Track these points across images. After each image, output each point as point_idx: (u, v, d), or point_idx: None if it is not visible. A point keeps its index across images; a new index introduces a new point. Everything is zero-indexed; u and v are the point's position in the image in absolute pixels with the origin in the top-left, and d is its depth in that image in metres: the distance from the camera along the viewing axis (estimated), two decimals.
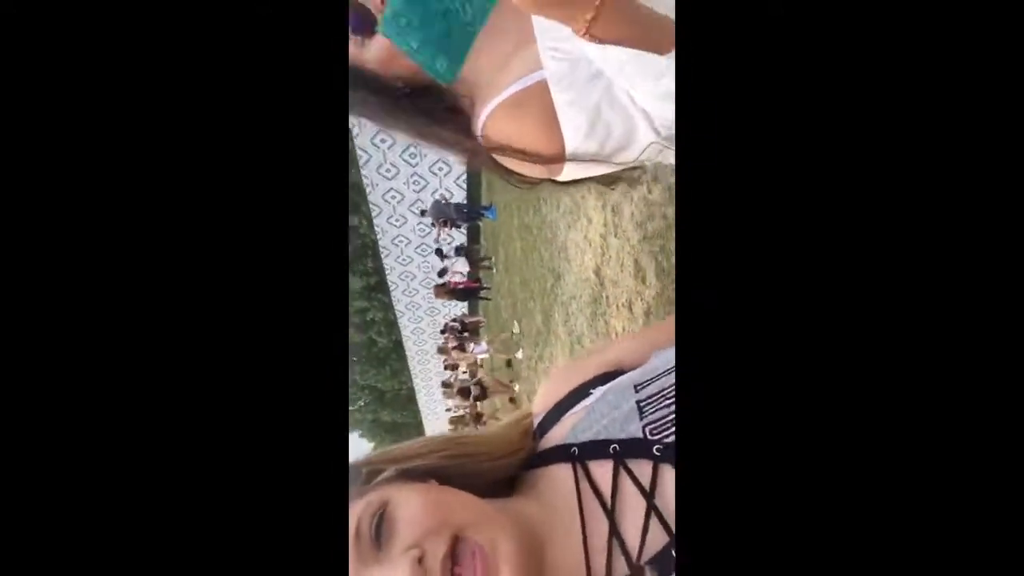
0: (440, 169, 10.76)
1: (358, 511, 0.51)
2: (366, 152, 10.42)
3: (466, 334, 10.64)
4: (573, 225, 5.45)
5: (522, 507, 0.56)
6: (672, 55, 0.65)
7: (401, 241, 12.19)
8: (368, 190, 11.03)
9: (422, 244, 12.14)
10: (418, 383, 17.38)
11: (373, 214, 11.52)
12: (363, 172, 10.74)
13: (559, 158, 0.72)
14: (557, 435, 0.61)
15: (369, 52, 0.72)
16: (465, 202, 10.77)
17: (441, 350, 11.29)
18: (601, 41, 0.63)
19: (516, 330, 8.84)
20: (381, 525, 0.50)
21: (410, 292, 13.68)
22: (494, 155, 0.75)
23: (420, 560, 0.48)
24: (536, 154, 0.73)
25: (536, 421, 0.65)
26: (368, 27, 0.70)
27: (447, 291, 10.15)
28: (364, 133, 9.98)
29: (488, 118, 0.73)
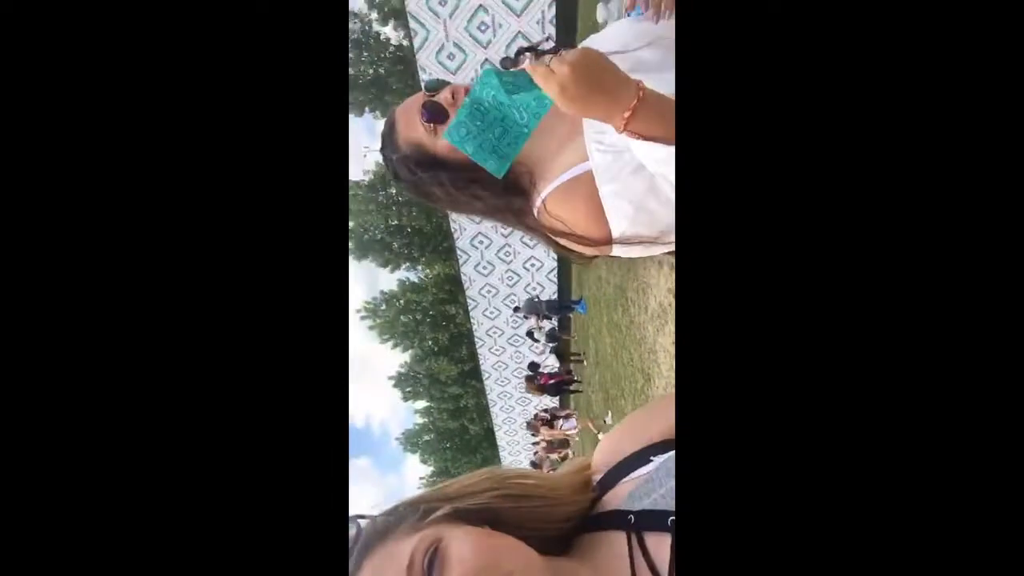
0: (532, 265, 11.15)
1: (412, 545, 0.51)
2: (465, 252, 11.01)
3: (557, 420, 10.63)
4: (661, 330, 5.50)
5: (573, 568, 0.55)
6: None
7: (495, 332, 12.54)
8: (466, 285, 11.55)
9: (515, 335, 12.40)
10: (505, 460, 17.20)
11: (470, 307, 11.98)
12: (462, 270, 11.30)
13: (607, 241, 0.78)
14: (614, 500, 0.59)
15: (440, 141, 0.82)
16: (555, 297, 10.99)
17: (530, 425, 11.17)
18: (640, 137, 0.68)
19: (609, 420, 8.74)
20: (434, 561, 0.50)
21: (502, 381, 13.87)
22: (549, 235, 0.82)
23: None
24: (585, 237, 0.79)
25: (596, 478, 0.63)
26: (441, 118, 0.81)
27: (537, 387, 10.19)
28: (464, 236, 10.60)
29: (543, 202, 0.80)
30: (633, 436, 0.64)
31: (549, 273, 11.37)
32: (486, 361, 13.29)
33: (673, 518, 0.52)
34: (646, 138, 0.69)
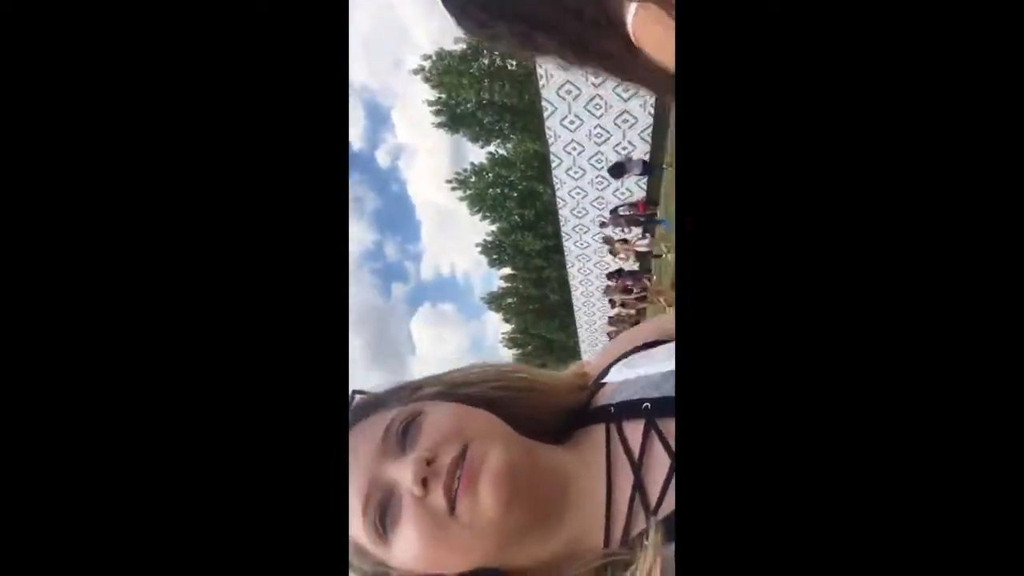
0: (625, 121, 9.99)
1: (393, 415, 0.53)
2: (551, 104, 9.95)
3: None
4: None
5: (557, 454, 0.56)
6: None
7: (578, 193, 11.67)
8: (551, 140, 10.60)
9: (599, 197, 11.53)
10: (583, 333, 17.04)
11: (553, 165, 11.09)
12: (547, 124, 10.32)
13: None
14: (602, 397, 0.60)
15: None
16: (648, 157, 9.97)
17: (607, 291, 11.10)
18: None
19: None
20: (408, 429, 0.52)
21: (582, 245, 13.21)
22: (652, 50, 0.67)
23: (429, 463, 0.50)
24: None
25: (592, 378, 0.64)
26: None
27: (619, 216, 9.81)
28: (550, 85, 9.52)
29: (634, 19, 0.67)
30: (628, 340, 0.67)
31: (643, 132, 10.18)
32: (567, 224, 12.63)
33: (647, 404, 0.54)
34: None
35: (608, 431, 0.55)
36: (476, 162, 23.43)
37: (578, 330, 17.48)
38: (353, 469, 0.52)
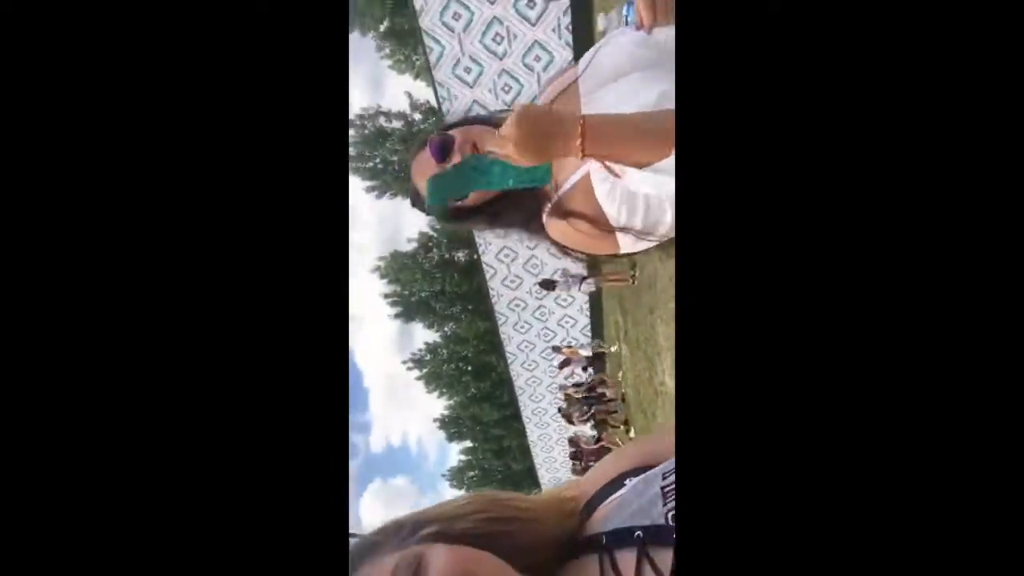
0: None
1: (395, 561, 0.49)
2: (491, 267, 10.47)
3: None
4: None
5: None
6: (671, 159, 0.68)
7: (531, 365, 11.79)
8: (494, 299, 10.92)
9: (545, 348, 11.62)
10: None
11: (499, 322, 11.28)
12: (490, 285, 10.73)
13: (611, 230, 0.80)
14: (592, 526, 0.57)
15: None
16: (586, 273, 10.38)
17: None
18: (603, 159, 0.73)
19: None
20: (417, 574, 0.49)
21: (539, 412, 12.97)
22: (560, 229, 0.85)
23: None
24: (591, 230, 0.81)
25: (581, 504, 0.60)
26: (448, 154, 0.81)
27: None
28: (488, 252, 10.11)
29: (550, 210, 0.85)
30: (613, 465, 0.64)
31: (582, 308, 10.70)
32: (519, 377, 12.45)
33: (639, 533, 0.52)
34: (608, 159, 0.74)
35: (601, 563, 0.52)
36: (431, 341, 23.62)
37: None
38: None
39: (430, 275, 21.84)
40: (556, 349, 11.04)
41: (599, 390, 10.33)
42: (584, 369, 10.67)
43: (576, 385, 10.55)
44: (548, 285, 9.81)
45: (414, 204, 0.92)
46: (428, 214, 0.90)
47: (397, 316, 23.15)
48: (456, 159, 0.80)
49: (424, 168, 0.83)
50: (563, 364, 10.61)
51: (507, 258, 10.06)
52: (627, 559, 0.50)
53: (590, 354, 10.59)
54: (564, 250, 0.87)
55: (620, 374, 9.68)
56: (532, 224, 0.88)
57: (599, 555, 0.52)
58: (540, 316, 10.92)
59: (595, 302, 10.41)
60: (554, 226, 0.85)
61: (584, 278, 9.17)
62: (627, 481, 0.59)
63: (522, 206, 0.85)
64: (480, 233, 0.98)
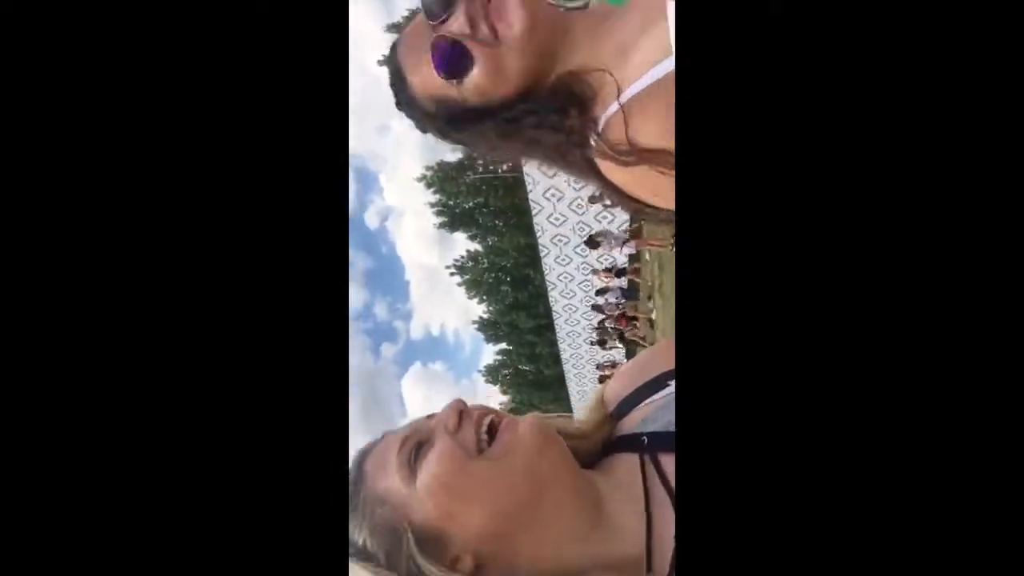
0: (604, 218, 10.72)
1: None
2: (539, 204, 10.69)
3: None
4: None
5: (593, 477, 0.53)
6: None
7: (565, 278, 12.23)
8: (539, 235, 11.27)
9: (585, 280, 12.08)
10: (575, 403, 17.03)
11: (542, 254, 11.70)
12: (536, 221, 11.02)
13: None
14: (627, 426, 0.58)
15: (467, 89, 0.55)
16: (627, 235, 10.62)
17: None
18: None
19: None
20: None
21: (572, 323, 13.58)
22: (621, 162, 0.53)
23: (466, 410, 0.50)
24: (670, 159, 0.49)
25: (611, 407, 0.60)
26: (465, 69, 0.54)
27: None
28: (536, 189, 10.28)
29: (612, 119, 0.52)
30: (644, 369, 0.62)
31: (621, 226, 10.90)
32: (557, 304, 13.05)
33: (644, 437, 0.53)
34: None
35: (643, 462, 0.52)
36: (472, 250, 24.16)
37: (571, 402, 17.47)
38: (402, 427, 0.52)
39: (474, 187, 21.91)
40: (594, 272, 11.38)
41: (630, 314, 10.79)
42: (616, 298, 11.10)
43: (607, 270, 10.71)
44: (592, 243, 10.08)
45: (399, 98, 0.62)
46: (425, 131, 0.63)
47: (441, 226, 23.60)
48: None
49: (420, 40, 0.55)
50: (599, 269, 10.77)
51: (553, 197, 10.25)
52: (670, 460, 0.50)
53: (625, 284, 10.97)
54: (609, 189, 0.58)
55: (650, 304, 10.03)
56: (558, 153, 0.60)
57: (639, 454, 0.52)
58: (581, 251, 11.24)
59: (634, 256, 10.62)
60: (611, 155, 0.53)
61: (626, 241, 9.35)
62: (669, 383, 0.57)
63: (546, 123, 0.56)
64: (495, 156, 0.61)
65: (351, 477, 0.51)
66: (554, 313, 13.40)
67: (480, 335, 25.25)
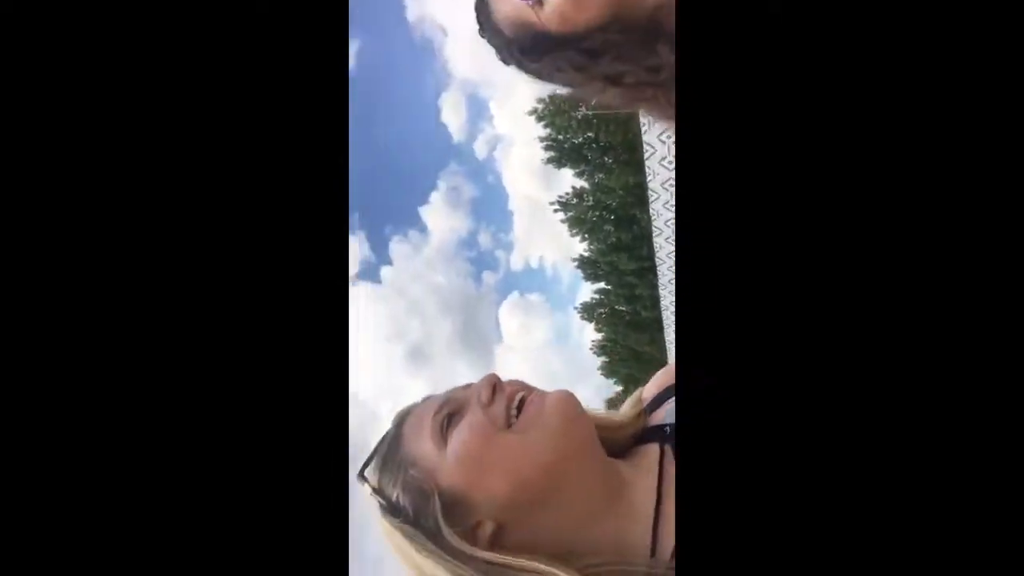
0: None
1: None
2: (651, 146, 10.31)
3: None
4: None
5: (618, 465, 0.55)
6: None
7: (672, 223, 11.88)
8: (649, 178, 10.94)
9: None
10: (671, 348, 16.89)
11: (651, 199, 11.40)
12: (647, 164, 10.68)
13: None
14: (657, 417, 0.60)
15: (548, 14, 0.52)
16: None
17: None
18: None
19: None
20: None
21: (674, 269, 13.24)
22: None
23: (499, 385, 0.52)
24: None
25: (646, 404, 0.63)
26: None
27: None
28: (651, 130, 9.87)
29: None
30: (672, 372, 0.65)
31: None
32: (661, 250, 12.77)
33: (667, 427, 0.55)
34: None
35: (662, 450, 0.54)
36: (578, 186, 23.77)
37: (666, 345, 17.35)
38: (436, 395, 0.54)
39: (585, 121, 21.24)
40: None
41: None
42: None
43: None
44: None
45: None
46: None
47: (549, 160, 23.34)
48: None
49: None
50: None
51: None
52: None
53: None
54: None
55: None
56: (639, 92, 0.56)
57: (660, 442, 0.55)
58: None
59: None
60: None
61: None
62: None
63: (627, 57, 0.53)
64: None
65: (389, 436, 0.54)
66: (657, 259, 13.16)
67: (579, 272, 25.26)
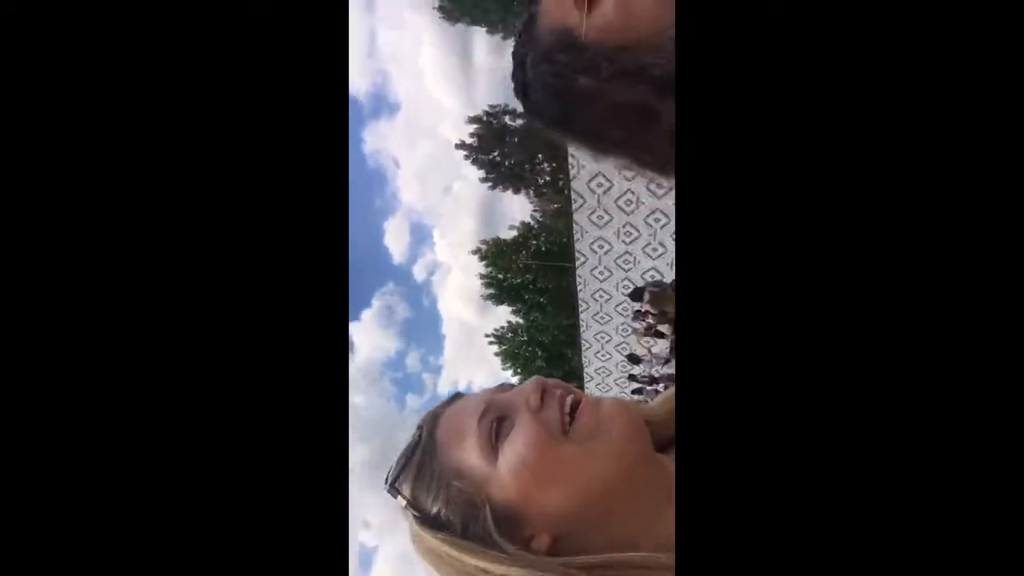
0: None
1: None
2: (582, 255, 10.47)
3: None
4: None
5: (664, 458, 0.53)
6: None
7: (602, 337, 11.66)
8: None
9: (622, 343, 11.45)
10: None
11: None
12: (579, 274, 10.74)
13: None
14: None
15: (593, 21, 0.52)
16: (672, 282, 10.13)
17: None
18: None
19: None
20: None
21: (603, 388, 12.76)
22: None
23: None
24: None
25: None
26: None
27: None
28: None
29: None
30: None
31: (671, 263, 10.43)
32: (589, 365, 12.40)
33: None
34: None
35: None
36: (513, 321, 23.99)
37: None
38: (473, 395, 0.51)
39: (527, 266, 22.18)
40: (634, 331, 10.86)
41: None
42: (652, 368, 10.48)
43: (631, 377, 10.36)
44: (636, 295, 9.83)
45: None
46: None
47: (489, 297, 23.75)
48: None
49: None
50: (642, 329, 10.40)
51: (600, 249, 10.03)
52: None
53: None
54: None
55: None
56: (640, 128, 0.57)
57: None
58: (622, 310, 10.78)
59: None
60: None
61: (667, 360, 9.21)
62: None
63: (641, 82, 0.53)
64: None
65: (420, 443, 0.50)
66: (586, 375, 12.70)
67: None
